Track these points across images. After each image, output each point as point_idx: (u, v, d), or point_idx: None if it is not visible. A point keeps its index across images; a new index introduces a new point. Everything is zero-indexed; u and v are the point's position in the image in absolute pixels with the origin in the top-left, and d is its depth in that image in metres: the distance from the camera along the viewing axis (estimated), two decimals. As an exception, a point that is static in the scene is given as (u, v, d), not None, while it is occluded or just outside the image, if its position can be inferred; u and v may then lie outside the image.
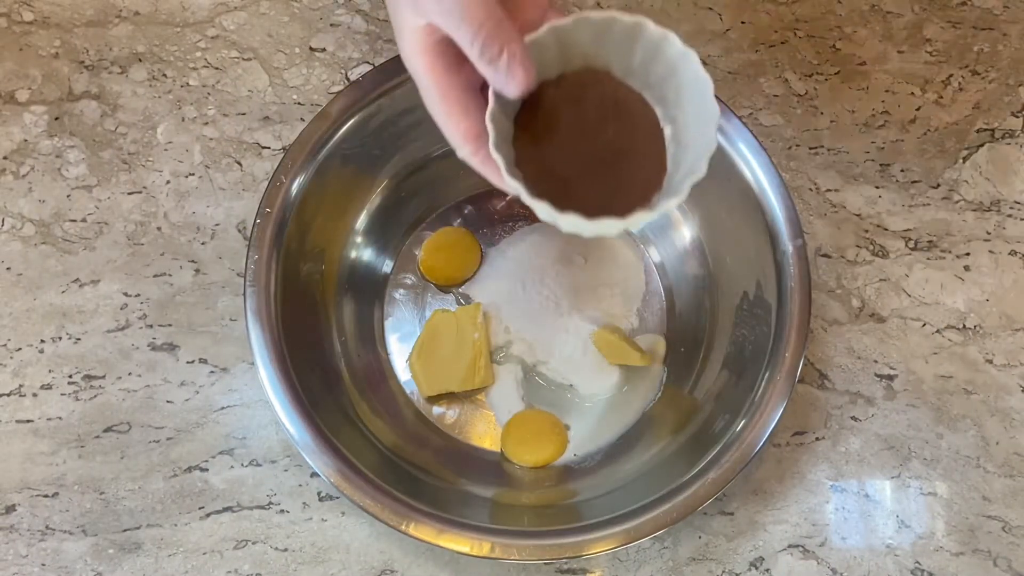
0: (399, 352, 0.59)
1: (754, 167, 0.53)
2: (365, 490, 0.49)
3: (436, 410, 0.58)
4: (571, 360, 0.58)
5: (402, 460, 0.54)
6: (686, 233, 0.59)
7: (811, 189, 0.62)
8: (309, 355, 0.54)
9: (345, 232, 0.58)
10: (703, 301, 0.58)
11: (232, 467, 0.56)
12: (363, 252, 0.59)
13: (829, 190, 0.62)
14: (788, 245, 0.52)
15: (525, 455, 0.57)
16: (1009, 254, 0.61)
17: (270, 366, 0.50)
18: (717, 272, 0.58)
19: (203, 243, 0.60)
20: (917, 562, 0.56)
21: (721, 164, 0.54)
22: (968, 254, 0.61)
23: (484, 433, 0.58)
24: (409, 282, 0.60)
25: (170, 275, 0.59)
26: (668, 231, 0.60)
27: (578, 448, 0.57)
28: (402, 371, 0.59)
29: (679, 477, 0.50)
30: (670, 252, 0.60)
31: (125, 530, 0.55)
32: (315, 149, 0.54)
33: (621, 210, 0.39)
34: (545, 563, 0.55)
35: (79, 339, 0.57)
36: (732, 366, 0.55)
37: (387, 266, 0.60)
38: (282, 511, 0.55)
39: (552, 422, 0.57)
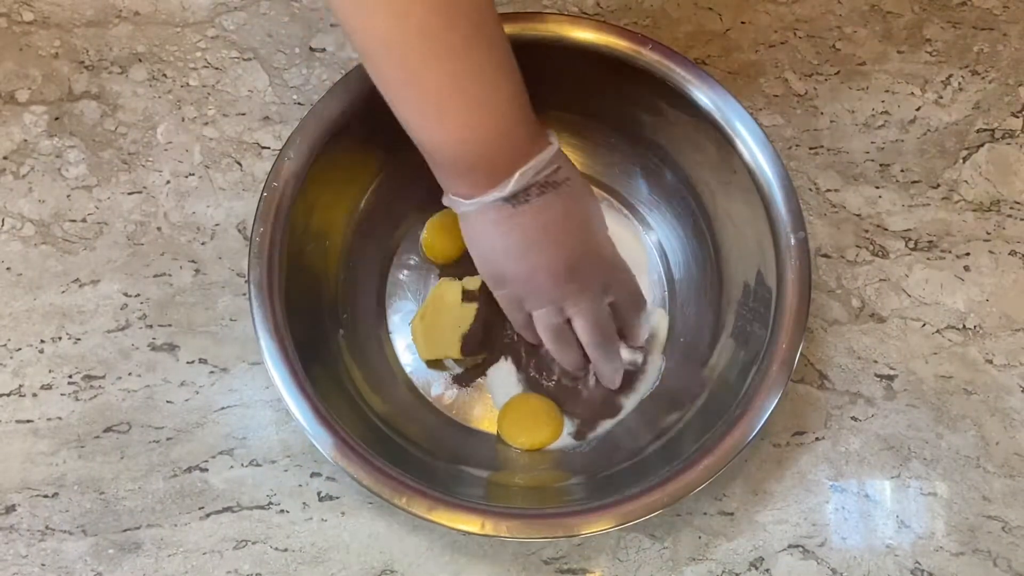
0: (400, 332, 0.59)
1: (759, 158, 0.53)
2: (360, 464, 0.49)
3: (435, 391, 0.58)
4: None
5: (399, 437, 0.54)
6: (689, 222, 0.59)
7: (811, 189, 0.62)
8: (311, 332, 0.53)
9: (350, 211, 0.58)
10: (704, 291, 0.59)
11: (232, 467, 0.56)
12: (367, 231, 0.59)
13: (829, 190, 0.62)
14: (790, 237, 0.52)
15: (521, 438, 0.57)
16: (1009, 254, 0.61)
17: (272, 343, 0.49)
18: (719, 262, 0.58)
19: (203, 243, 0.60)
20: (917, 562, 0.56)
21: (726, 154, 0.54)
22: (968, 254, 0.61)
23: (481, 415, 0.58)
24: (412, 263, 0.60)
25: (170, 275, 0.59)
26: (671, 220, 0.60)
27: (574, 433, 0.57)
28: (402, 352, 0.59)
29: (673, 463, 0.50)
30: (673, 241, 0.60)
31: (125, 530, 0.55)
32: (324, 126, 0.53)
33: None
34: (542, 558, 0.55)
35: (79, 339, 0.57)
36: (730, 355, 0.55)
37: (391, 246, 0.60)
38: (282, 511, 0.55)
39: (549, 406, 0.58)
